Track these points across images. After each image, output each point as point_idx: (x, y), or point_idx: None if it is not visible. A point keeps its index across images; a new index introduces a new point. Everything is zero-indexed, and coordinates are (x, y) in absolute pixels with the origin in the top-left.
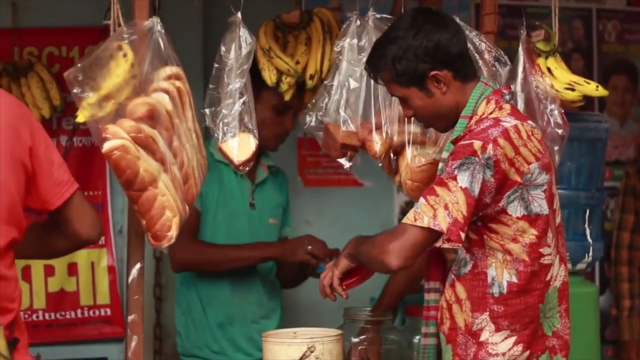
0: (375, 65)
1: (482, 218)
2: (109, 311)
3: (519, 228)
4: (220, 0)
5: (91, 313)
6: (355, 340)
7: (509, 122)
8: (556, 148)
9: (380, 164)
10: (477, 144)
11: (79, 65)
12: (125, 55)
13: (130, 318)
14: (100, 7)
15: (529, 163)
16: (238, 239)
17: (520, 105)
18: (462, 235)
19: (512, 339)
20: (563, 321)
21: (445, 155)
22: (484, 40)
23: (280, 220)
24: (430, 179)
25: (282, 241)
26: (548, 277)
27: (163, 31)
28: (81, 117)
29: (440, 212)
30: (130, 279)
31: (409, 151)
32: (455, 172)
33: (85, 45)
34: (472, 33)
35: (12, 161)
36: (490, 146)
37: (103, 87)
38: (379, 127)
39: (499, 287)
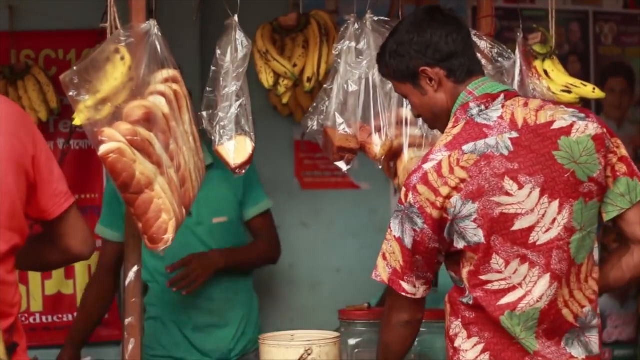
0: (378, 60)
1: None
2: (106, 314)
3: (466, 257)
4: (217, 3)
5: None
6: (352, 342)
7: (435, 160)
8: None
9: (380, 167)
10: (403, 190)
11: (75, 68)
12: (122, 58)
13: (127, 321)
14: (97, 10)
15: (449, 198)
16: (186, 249)
17: None
18: (405, 284)
19: (480, 347)
20: (541, 341)
21: None
22: (485, 38)
23: (229, 215)
24: None
25: None
26: (502, 302)
27: (160, 34)
28: (78, 120)
29: (380, 262)
30: (127, 282)
31: (406, 154)
32: (391, 219)
33: (82, 48)
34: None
35: (15, 168)
36: (410, 194)
37: (100, 90)
38: (378, 130)
39: (468, 298)
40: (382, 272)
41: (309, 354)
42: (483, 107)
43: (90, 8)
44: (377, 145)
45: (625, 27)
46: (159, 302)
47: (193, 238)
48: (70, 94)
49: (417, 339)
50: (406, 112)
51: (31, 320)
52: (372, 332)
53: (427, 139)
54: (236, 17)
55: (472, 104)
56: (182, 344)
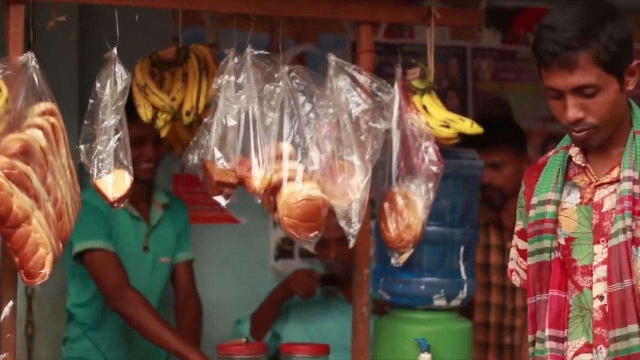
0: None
1: None
2: None
3: None
4: (96, 36)
5: None
6: None
7: None
8: (431, 185)
9: (259, 201)
10: None
11: None
12: None
13: (2, 357)
14: None
15: None
16: (134, 283)
17: (396, 143)
18: None
19: None
20: None
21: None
22: (364, 73)
23: (171, 257)
24: (307, 216)
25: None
26: None
27: (38, 67)
28: None
29: None
30: (2, 318)
31: (286, 188)
32: None
33: None
34: (350, 68)
35: None
36: None
37: None
38: (258, 165)
39: None
40: None
41: None
42: None
43: None
44: (257, 179)
45: (504, 63)
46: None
47: (143, 274)
48: None
49: None
50: (286, 146)
51: None
52: None
53: (307, 173)
54: (115, 51)
55: None
56: None
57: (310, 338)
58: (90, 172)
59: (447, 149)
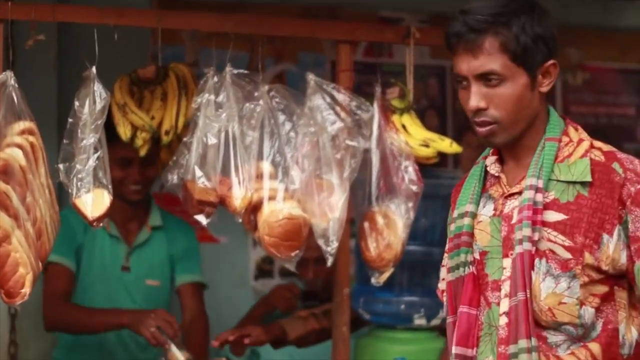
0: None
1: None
2: None
3: None
4: (75, 54)
5: None
6: None
7: None
8: (410, 205)
9: (239, 220)
10: None
11: None
12: None
13: None
14: None
15: None
16: (114, 303)
17: (375, 162)
18: None
19: None
20: None
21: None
22: (343, 91)
23: (162, 280)
24: (287, 234)
25: (134, 310)
26: None
27: (17, 85)
28: None
29: None
30: None
31: (266, 207)
32: None
33: None
34: (329, 86)
35: None
36: None
37: None
38: (238, 183)
39: (629, 347)
40: None
41: None
42: None
43: None
44: (238, 198)
45: None
46: None
47: (125, 294)
48: None
49: None
50: (266, 165)
51: None
52: None
53: (288, 192)
54: (94, 69)
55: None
56: None
57: (290, 356)
58: (69, 190)
59: (427, 168)
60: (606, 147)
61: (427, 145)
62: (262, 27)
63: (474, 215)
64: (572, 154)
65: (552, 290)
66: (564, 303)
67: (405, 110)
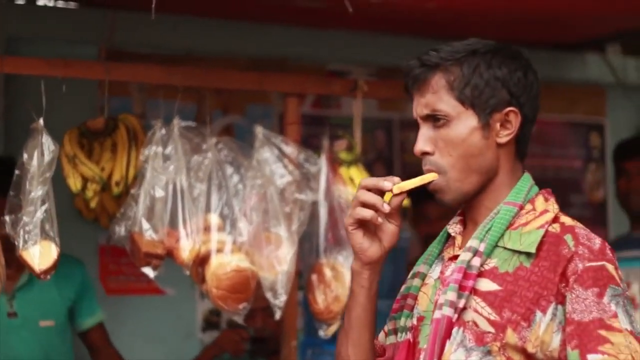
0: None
1: None
2: None
3: None
4: (22, 106)
5: None
6: None
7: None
8: None
9: (187, 272)
10: (610, 267)
11: None
12: None
13: None
14: None
15: None
16: (9, 351)
17: (323, 215)
18: None
19: None
20: None
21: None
22: (291, 144)
23: (57, 319)
24: (235, 287)
25: None
26: None
27: None
28: None
29: None
30: None
31: (214, 259)
32: (608, 310)
33: None
34: (277, 139)
35: None
36: (619, 272)
37: None
38: (185, 235)
39: None
40: None
41: None
42: None
43: None
44: (185, 250)
45: None
46: None
47: (17, 340)
48: None
49: None
50: (214, 217)
51: None
52: None
53: (235, 244)
54: (42, 121)
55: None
56: None
57: None
58: (16, 243)
59: None
60: (570, 222)
61: None
62: (210, 79)
63: (424, 277)
64: (529, 222)
65: None
66: None
67: (352, 162)
